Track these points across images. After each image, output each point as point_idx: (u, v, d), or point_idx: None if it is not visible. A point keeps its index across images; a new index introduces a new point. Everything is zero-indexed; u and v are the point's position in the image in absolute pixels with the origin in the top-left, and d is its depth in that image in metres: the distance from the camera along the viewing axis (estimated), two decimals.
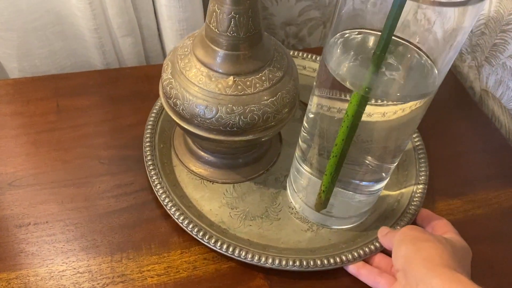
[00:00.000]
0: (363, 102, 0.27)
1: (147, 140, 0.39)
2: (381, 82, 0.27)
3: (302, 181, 0.36)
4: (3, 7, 0.42)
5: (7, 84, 0.44)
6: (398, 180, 0.39)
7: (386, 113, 0.29)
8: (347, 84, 0.27)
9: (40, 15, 0.44)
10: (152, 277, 0.32)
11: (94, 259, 0.32)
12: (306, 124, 0.33)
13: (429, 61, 0.27)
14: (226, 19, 0.29)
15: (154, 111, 0.41)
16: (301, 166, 0.35)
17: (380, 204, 0.38)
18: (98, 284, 0.31)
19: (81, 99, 0.43)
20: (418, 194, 0.37)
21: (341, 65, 0.28)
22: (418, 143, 0.41)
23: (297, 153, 0.35)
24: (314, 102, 0.31)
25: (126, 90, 0.45)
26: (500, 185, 0.40)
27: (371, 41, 0.28)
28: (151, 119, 0.41)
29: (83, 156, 0.39)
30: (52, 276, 0.31)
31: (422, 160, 0.40)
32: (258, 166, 0.39)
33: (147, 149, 0.38)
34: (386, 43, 0.25)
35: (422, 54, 0.27)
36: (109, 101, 0.44)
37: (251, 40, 0.30)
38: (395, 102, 0.28)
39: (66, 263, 0.32)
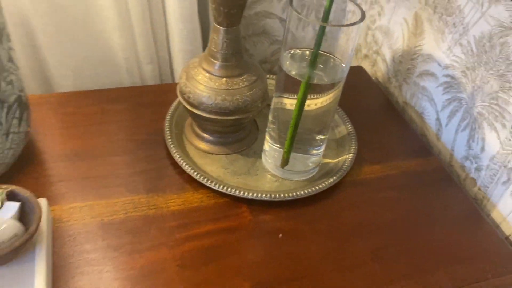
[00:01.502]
0: (306, 88, 0.46)
1: (167, 128, 0.57)
2: (315, 74, 0.46)
3: (272, 151, 0.54)
4: (65, 54, 0.61)
5: (68, 95, 0.62)
6: (337, 153, 0.58)
7: (316, 104, 0.49)
8: (297, 77, 0.46)
9: (91, 53, 0.63)
10: (174, 206, 0.49)
11: (137, 195, 0.50)
12: (270, 116, 0.52)
13: (337, 62, 0.47)
14: (220, 43, 0.49)
15: (170, 111, 0.60)
16: (270, 141, 0.54)
17: (324, 167, 0.56)
18: (140, 209, 0.49)
19: (117, 105, 0.62)
20: (349, 160, 0.56)
21: (292, 67, 0.47)
22: (351, 130, 0.61)
23: (267, 134, 0.54)
24: (274, 101, 0.50)
25: (148, 99, 0.63)
26: (406, 156, 0.59)
27: (307, 53, 0.48)
28: (168, 116, 0.59)
29: (122, 139, 0.57)
30: (110, 205, 0.49)
31: (353, 140, 0.59)
32: (242, 144, 0.57)
33: (168, 133, 0.56)
34: (316, 54, 0.45)
35: (336, 58, 0.47)
36: (137, 106, 0.62)
37: (236, 56, 0.50)
38: (321, 94, 0.47)
39: (118, 198, 0.49)
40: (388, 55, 0.73)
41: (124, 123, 0.60)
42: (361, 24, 0.42)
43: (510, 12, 0.49)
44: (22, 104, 0.49)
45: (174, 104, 0.61)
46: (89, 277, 0.42)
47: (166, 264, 0.44)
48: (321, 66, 0.47)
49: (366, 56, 0.80)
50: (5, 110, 0.45)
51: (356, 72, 0.76)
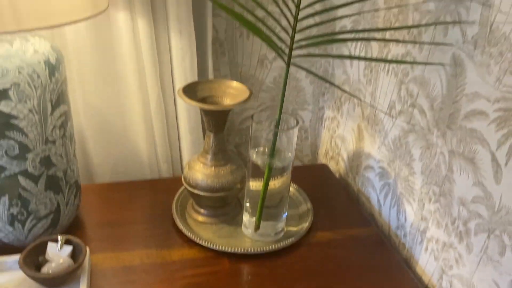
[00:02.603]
0: (269, 172, 0.69)
1: (174, 206, 0.80)
2: (273, 163, 0.69)
3: (248, 221, 0.75)
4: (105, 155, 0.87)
5: (107, 185, 0.86)
6: (298, 223, 0.79)
7: (276, 184, 0.71)
8: (261, 164, 0.69)
9: (124, 154, 0.89)
10: (175, 257, 0.70)
11: (149, 249, 0.71)
12: (245, 195, 0.74)
13: (287, 154, 0.70)
14: (211, 143, 0.73)
15: (177, 195, 0.83)
16: (246, 213, 0.75)
17: (287, 232, 0.76)
18: (151, 258, 0.69)
19: (141, 191, 0.85)
20: (306, 227, 0.77)
21: (258, 159, 0.71)
22: (310, 207, 0.82)
23: (244, 208, 0.76)
24: (247, 184, 0.73)
25: (163, 187, 0.87)
26: (352, 226, 0.79)
27: (267, 149, 0.71)
28: (176, 198, 0.82)
29: (143, 213, 0.79)
30: (130, 255, 0.69)
31: (311, 214, 0.80)
32: (227, 216, 0.79)
33: (174, 209, 0.79)
34: (273, 149, 0.68)
35: (284, 151, 0.70)
36: (155, 192, 0.85)
37: (222, 151, 0.74)
38: (278, 177, 0.69)
39: (136, 250, 0.70)
40: (345, 156, 0.97)
41: (145, 203, 0.82)
42: (296, 129, 0.67)
43: (406, 126, 0.73)
44: (78, 186, 0.73)
45: (180, 190, 0.84)
46: None
47: None
48: (276, 157, 0.70)
49: (331, 157, 1.04)
50: (67, 188, 0.69)
51: (323, 169, 0.99)
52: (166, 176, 0.93)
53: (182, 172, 0.95)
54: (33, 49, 0.58)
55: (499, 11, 0.53)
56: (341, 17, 0.63)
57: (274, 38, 0.63)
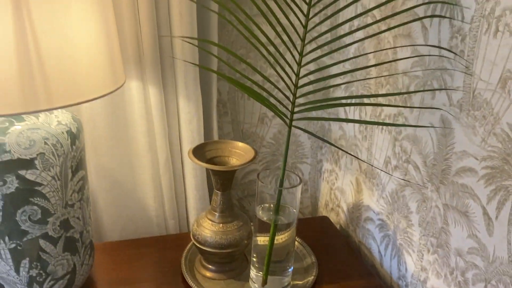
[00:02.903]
0: (275, 227, 0.73)
1: (183, 262, 0.82)
2: (278, 220, 0.73)
3: (255, 276, 0.78)
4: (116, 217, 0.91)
5: (117, 243, 0.89)
6: (304, 277, 0.81)
7: (282, 238, 0.75)
8: (267, 220, 0.73)
9: (133, 213, 0.93)
10: None
11: None
12: (252, 250, 0.78)
13: (291, 209, 0.74)
14: (218, 201, 0.77)
15: (185, 251, 0.86)
16: (253, 268, 0.78)
17: (294, 286, 0.79)
18: None
19: (150, 248, 0.88)
20: (311, 281, 0.79)
21: (263, 215, 0.74)
22: (314, 260, 0.85)
23: (251, 263, 0.79)
24: (253, 240, 0.77)
25: (171, 244, 0.90)
26: (356, 279, 0.82)
27: (272, 205, 0.75)
28: (184, 254, 0.85)
29: (153, 270, 0.82)
30: None
31: (315, 267, 0.83)
32: (235, 272, 0.81)
33: (183, 265, 0.81)
34: (277, 206, 0.72)
35: (289, 207, 0.74)
36: (163, 249, 0.88)
37: (229, 209, 0.78)
38: (283, 232, 0.73)
39: None
40: (345, 207, 1.01)
41: (154, 260, 0.85)
42: (299, 186, 0.71)
43: (402, 180, 0.78)
44: (92, 246, 0.76)
45: (188, 246, 0.87)
46: None
47: None
48: (281, 212, 0.74)
49: (332, 209, 1.08)
50: (83, 249, 0.72)
51: (324, 221, 1.03)
52: (173, 233, 0.96)
53: (188, 228, 0.99)
54: (56, 121, 0.63)
55: (480, 79, 0.59)
56: (338, 85, 0.69)
57: (273, 100, 0.68)
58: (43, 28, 0.50)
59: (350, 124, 0.96)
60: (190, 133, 0.88)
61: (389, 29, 0.65)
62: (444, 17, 0.65)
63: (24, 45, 0.49)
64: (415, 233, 0.76)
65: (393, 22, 0.75)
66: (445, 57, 0.65)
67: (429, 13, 0.68)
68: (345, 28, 0.92)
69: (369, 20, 0.84)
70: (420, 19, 0.68)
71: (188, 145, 0.89)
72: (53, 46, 0.51)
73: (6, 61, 0.48)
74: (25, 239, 0.63)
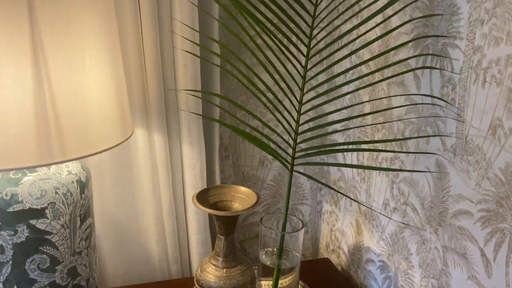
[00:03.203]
0: (278, 271, 0.74)
1: None
2: (281, 264, 0.75)
3: None
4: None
5: None
6: None
7: (286, 282, 0.76)
8: (270, 264, 0.74)
9: (137, 258, 0.93)
10: None
11: None
12: None
13: (294, 253, 0.75)
14: (222, 246, 0.78)
15: None
16: None
17: None
18: None
19: None
20: None
21: (267, 259, 0.76)
22: None
23: None
24: (257, 284, 0.78)
25: (174, 287, 0.90)
26: None
27: (274, 250, 0.77)
28: None
29: None
30: None
31: None
32: None
33: None
34: (281, 250, 0.74)
35: (292, 250, 0.75)
36: None
37: (232, 253, 0.79)
38: (286, 275, 0.74)
39: None
40: (346, 249, 1.02)
41: None
42: (302, 231, 0.73)
43: (396, 227, 0.80)
44: None
45: None
46: None
47: None
48: (284, 256, 0.76)
49: (332, 250, 1.09)
50: None
51: (325, 263, 1.03)
52: (175, 277, 0.97)
53: (191, 272, 0.99)
54: (67, 170, 0.65)
55: (471, 126, 0.63)
56: (338, 131, 0.72)
57: (273, 146, 0.71)
58: (60, 85, 0.53)
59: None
60: (193, 178, 0.90)
61: (383, 79, 0.69)
62: (435, 68, 0.69)
63: (42, 103, 0.52)
64: (416, 274, 0.77)
65: (386, 70, 0.79)
66: (437, 105, 0.69)
67: (420, 63, 0.72)
68: (342, 76, 0.97)
69: (364, 69, 0.88)
70: (411, 70, 0.72)
71: (191, 189, 0.91)
72: (68, 103, 0.54)
73: (24, 118, 0.51)
74: None
